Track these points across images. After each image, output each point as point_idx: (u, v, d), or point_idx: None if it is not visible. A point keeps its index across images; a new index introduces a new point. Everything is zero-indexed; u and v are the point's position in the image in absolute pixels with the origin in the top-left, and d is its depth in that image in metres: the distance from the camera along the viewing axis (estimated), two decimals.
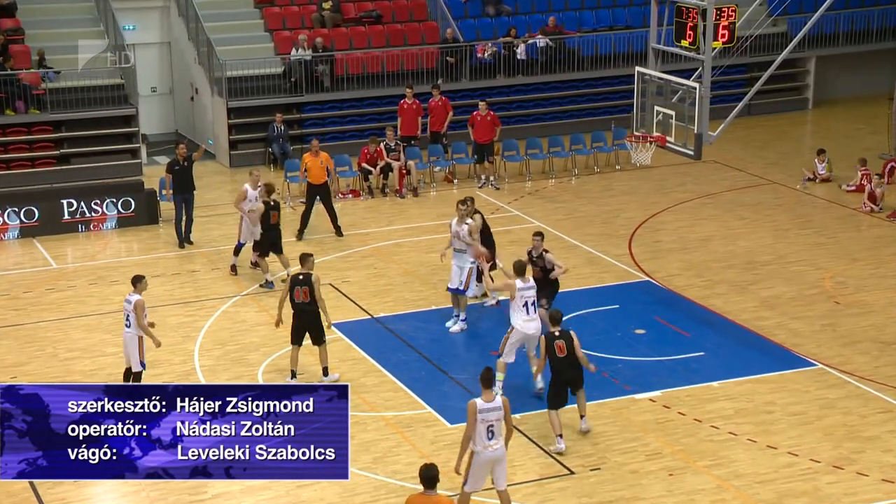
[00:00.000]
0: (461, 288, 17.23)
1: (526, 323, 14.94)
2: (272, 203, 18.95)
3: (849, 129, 28.20)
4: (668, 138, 18.73)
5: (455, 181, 24.85)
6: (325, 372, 15.73)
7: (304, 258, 15.82)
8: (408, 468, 13.66)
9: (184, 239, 21.14)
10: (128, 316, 14.97)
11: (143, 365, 15.03)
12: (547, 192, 24.26)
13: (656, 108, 18.92)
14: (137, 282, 15.13)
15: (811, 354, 16.55)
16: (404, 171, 24.01)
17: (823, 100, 30.36)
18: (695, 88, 18.09)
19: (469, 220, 17.27)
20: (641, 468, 13.67)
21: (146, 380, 15.44)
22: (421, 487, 10.95)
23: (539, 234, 16.74)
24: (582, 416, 14.39)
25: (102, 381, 15.95)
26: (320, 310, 15.55)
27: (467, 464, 12.08)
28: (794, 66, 29.76)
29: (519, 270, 15.03)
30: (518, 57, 27.55)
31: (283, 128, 25.63)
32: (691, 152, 18.58)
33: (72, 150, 25.05)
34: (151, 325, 15.08)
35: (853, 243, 21.07)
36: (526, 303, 14.94)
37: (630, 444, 14.22)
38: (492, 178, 24.56)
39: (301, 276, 15.64)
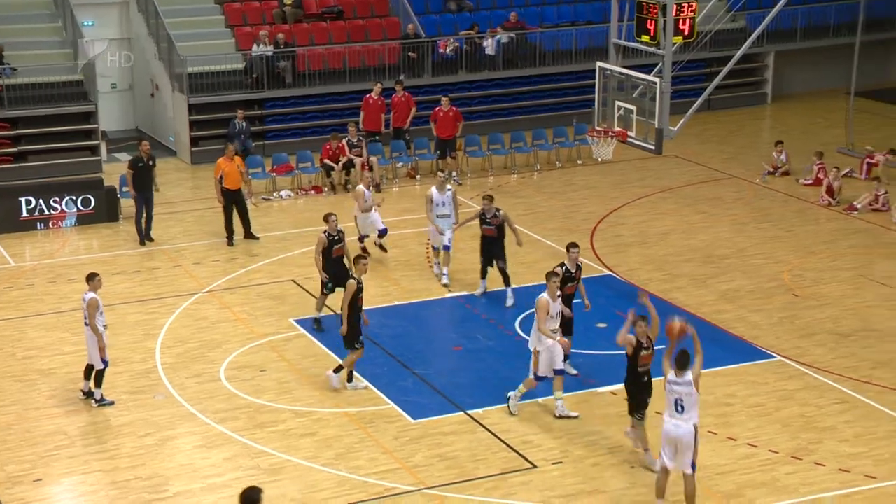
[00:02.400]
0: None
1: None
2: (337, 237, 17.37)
3: (806, 124, 28.44)
4: (629, 133, 18.77)
5: (417, 177, 24.82)
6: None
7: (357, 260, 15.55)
8: (370, 464, 13.64)
9: (144, 236, 20.98)
10: (86, 314, 14.89)
11: (105, 363, 14.91)
12: (509, 187, 24.29)
13: (617, 103, 18.95)
14: (91, 279, 15.00)
15: (770, 347, 16.68)
16: (366, 167, 23.93)
17: (781, 94, 30.60)
18: (655, 83, 18.13)
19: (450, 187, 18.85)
20: (603, 461, 13.71)
21: (109, 378, 15.34)
22: None
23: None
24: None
25: (61, 379, 15.82)
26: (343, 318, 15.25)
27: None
28: (752, 61, 29.96)
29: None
30: (486, 52, 27.57)
31: (244, 124, 25.44)
32: (652, 147, 18.63)
33: (30, 147, 24.79)
34: (106, 326, 14.91)
35: (811, 236, 21.24)
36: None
37: (592, 437, 14.27)
38: (454, 173, 24.54)
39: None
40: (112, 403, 15.03)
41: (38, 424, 14.71)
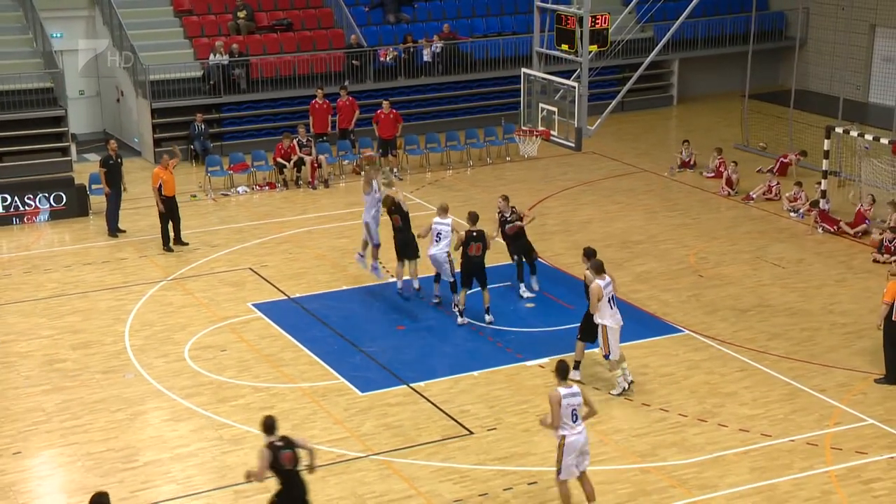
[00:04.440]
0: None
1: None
2: (395, 208, 17.28)
3: (708, 123, 28.75)
4: (552, 132, 18.81)
5: (362, 173, 24.66)
6: (488, 311, 16.33)
7: (474, 217, 16.21)
8: (323, 433, 13.58)
9: (114, 228, 20.64)
10: None
11: None
12: (445, 181, 24.27)
13: (541, 105, 18.99)
14: None
15: (679, 322, 16.86)
16: (316, 165, 23.78)
17: (686, 97, 30.89)
18: (574, 87, 18.21)
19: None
20: (532, 427, 13.75)
21: (83, 359, 15.09)
22: None
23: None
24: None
25: (38, 360, 15.53)
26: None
27: (559, 454, 11.49)
28: (660, 67, 30.22)
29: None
30: (424, 59, 27.51)
31: (203, 126, 25.16)
32: (572, 144, 18.69)
33: (5, 148, 24.24)
34: None
35: (713, 223, 21.49)
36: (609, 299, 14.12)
37: (522, 405, 14.32)
38: (395, 169, 24.47)
39: (475, 233, 16.18)
40: None
41: (16, 402, 14.44)
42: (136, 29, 26.03)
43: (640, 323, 16.76)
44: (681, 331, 16.55)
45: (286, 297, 17.74)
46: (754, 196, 22.56)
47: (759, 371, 15.25)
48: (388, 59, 27.29)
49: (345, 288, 18.17)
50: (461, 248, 16.40)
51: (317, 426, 13.78)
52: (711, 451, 13.19)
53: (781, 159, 24.18)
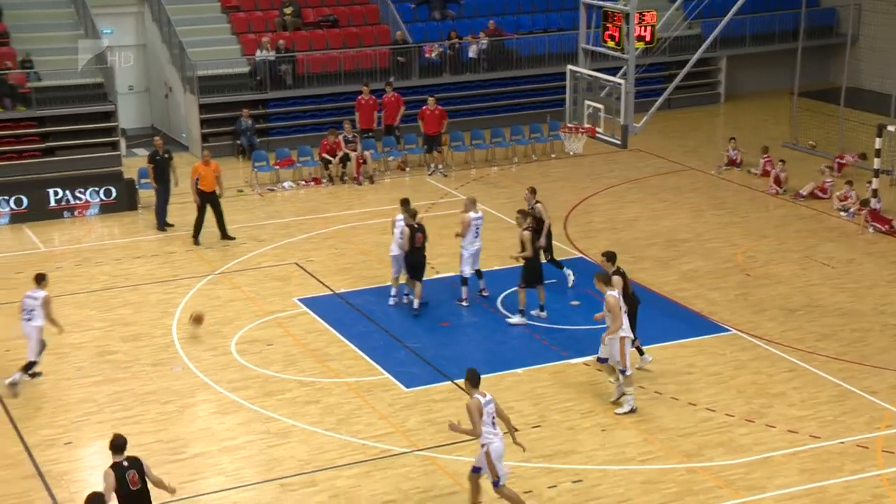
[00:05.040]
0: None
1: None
2: (417, 226, 16.94)
3: (756, 121, 28.49)
4: (597, 129, 18.77)
5: (407, 169, 24.78)
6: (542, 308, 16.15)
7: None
8: (368, 428, 13.67)
9: (163, 222, 20.90)
10: (32, 310, 14.44)
11: (37, 355, 14.54)
12: (490, 178, 24.27)
13: (587, 102, 18.95)
14: (42, 279, 14.62)
15: (726, 321, 16.74)
16: (361, 161, 23.89)
17: (733, 94, 30.62)
18: (620, 84, 18.15)
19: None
20: (577, 425, 13.76)
21: (133, 351, 15.32)
22: None
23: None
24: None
25: (90, 352, 15.77)
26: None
27: (488, 462, 11.45)
28: (707, 64, 29.97)
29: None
30: (469, 55, 27.54)
31: (249, 122, 25.38)
32: (618, 142, 18.65)
33: (57, 143, 24.62)
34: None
35: (761, 222, 21.31)
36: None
37: (566, 403, 14.31)
38: (440, 166, 24.53)
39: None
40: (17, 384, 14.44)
41: (69, 393, 14.69)
42: (184, 25, 26.32)
43: (686, 322, 16.69)
44: (728, 330, 16.43)
45: (332, 293, 17.86)
46: (804, 194, 22.33)
47: (807, 372, 15.11)
48: (433, 55, 27.33)
49: (388, 284, 18.22)
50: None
51: (362, 421, 13.87)
52: (759, 452, 13.09)
53: (838, 160, 23.86)
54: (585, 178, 23.99)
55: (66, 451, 13.33)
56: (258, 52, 26.03)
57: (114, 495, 10.39)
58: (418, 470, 12.74)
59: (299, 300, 17.55)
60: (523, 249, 16.32)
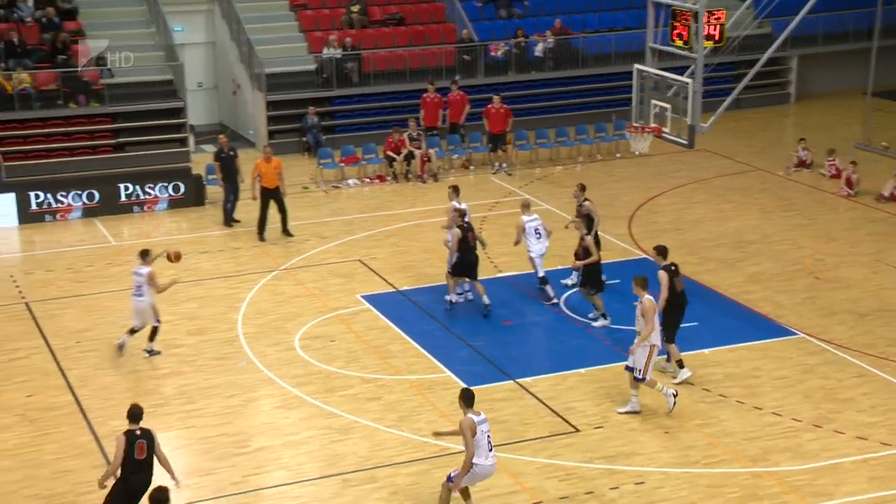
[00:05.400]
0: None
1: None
2: (466, 225, 16.90)
3: (828, 121, 27.98)
4: (664, 129, 18.61)
5: (471, 168, 24.78)
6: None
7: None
8: (429, 426, 13.64)
9: (229, 218, 21.16)
10: (140, 286, 15.29)
11: (157, 321, 15.52)
12: (554, 177, 24.17)
13: (653, 101, 18.79)
14: (146, 255, 15.45)
15: (793, 325, 16.47)
16: (425, 159, 23.96)
17: (804, 94, 30.12)
18: (688, 84, 17.96)
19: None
20: (640, 427, 13.65)
21: (199, 345, 15.54)
22: None
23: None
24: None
25: (158, 345, 15.97)
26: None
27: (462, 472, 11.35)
28: (777, 63, 29.51)
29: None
30: (535, 54, 27.46)
31: (315, 119, 25.59)
32: (685, 142, 18.47)
33: (127, 139, 25.07)
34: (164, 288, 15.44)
35: (831, 224, 20.92)
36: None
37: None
38: (504, 165, 24.50)
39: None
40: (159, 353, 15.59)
41: (137, 385, 14.94)
42: (252, 23, 26.63)
43: (752, 324, 16.46)
44: (795, 333, 16.17)
45: (394, 290, 17.93)
46: (886, 195, 21.87)
47: (878, 378, 14.80)
48: (499, 53, 27.30)
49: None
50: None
51: (423, 419, 13.90)
52: (827, 458, 12.87)
53: None
54: (651, 178, 23.77)
55: None
56: (325, 50, 26.24)
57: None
58: None
59: (362, 297, 17.65)
60: (587, 254, 16.20)
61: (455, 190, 18.01)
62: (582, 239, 16.38)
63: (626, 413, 13.85)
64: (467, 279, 17.02)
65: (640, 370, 13.70)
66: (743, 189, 23.01)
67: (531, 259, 17.21)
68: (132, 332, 15.55)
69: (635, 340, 13.71)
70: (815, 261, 19.06)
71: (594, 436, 13.43)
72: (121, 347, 15.56)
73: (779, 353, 15.59)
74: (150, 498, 10.10)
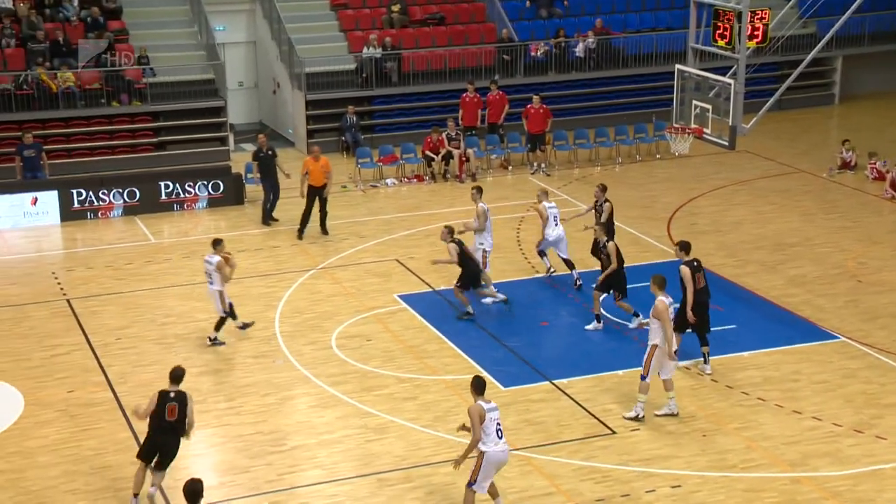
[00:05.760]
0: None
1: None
2: (457, 241, 16.81)
3: (873, 123, 27.59)
4: (705, 130, 18.44)
5: (510, 168, 24.74)
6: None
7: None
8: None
9: (268, 217, 21.28)
10: (209, 274, 15.74)
11: (225, 312, 15.85)
12: (593, 178, 24.04)
13: (694, 102, 18.63)
14: (218, 244, 15.89)
15: (834, 328, 16.26)
16: (464, 158, 23.95)
17: (849, 95, 29.73)
18: (730, 84, 17.79)
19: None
20: (677, 430, 13.54)
21: (236, 343, 15.61)
22: None
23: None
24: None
25: (194, 342, 16.15)
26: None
27: (476, 466, 11.39)
28: (822, 64, 29.16)
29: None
30: (576, 54, 27.37)
31: (354, 119, 25.67)
32: (726, 143, 18.29)
33: (168, 137, 25.31)
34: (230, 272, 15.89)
35: (875, 227, 20.63)
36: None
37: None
38: (543, 165, 24.43)
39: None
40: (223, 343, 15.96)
41: None
42: (293, 22, 26.77)
43: (792, 328, 16.27)
44: (836, 337, 15.96)
45: (431, 290, 17.93)
46: None
47: None
48: (538, 53, 27.22)
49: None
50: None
51: (459, 419, 13.82)
52: (868, 464, 12.68)
53: None
54: (691, 180, 23.58)
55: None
56: (365, 50, 26.31)
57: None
58: (515, 470, 12.67)
59: (399, 296, 17.66)
60: (609, 260, 16.06)
61: (479, 191, 18.01)
62: (604, 246, 16.28)
63: (663, 415, 13.74)
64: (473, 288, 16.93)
65: (643, 369, 13.58)
66: (785, 191, 22.76)
67: (548, 240, 17.71)
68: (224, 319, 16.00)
69: (664, 347, 13.50)
70: (857, 264, 18.80)
71: (631, 438, 13.34)
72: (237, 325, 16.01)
73: (819, 356, 15.40)
74: (185, 490, 10.19)
